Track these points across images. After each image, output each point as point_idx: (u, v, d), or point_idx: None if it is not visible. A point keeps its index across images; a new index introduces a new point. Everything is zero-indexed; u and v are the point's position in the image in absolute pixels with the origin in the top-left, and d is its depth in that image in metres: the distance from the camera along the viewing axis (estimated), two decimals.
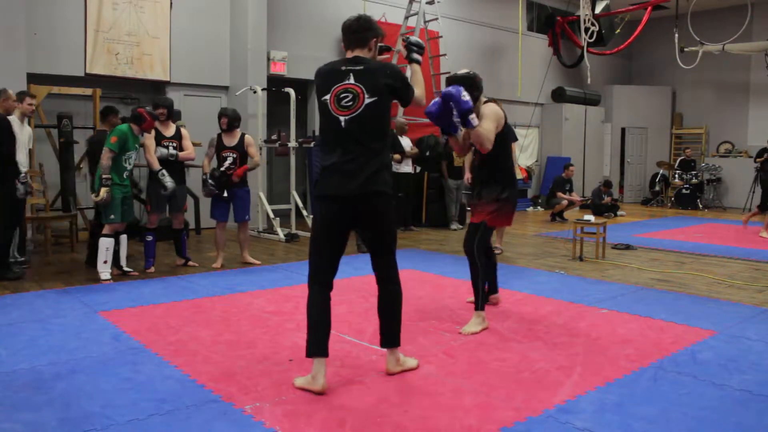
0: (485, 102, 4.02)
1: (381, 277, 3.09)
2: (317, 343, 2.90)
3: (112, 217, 5.38)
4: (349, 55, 2.97)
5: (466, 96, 3.51)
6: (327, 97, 2.92)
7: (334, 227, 2.96)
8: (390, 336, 3.12)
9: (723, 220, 11.13)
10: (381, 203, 2.94)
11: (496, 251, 6.96)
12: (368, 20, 3.01)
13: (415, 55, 3.24)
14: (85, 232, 7.81)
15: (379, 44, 3.11)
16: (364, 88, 2.87)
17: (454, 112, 3.57)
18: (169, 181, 5.67)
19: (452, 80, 3.89)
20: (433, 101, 3.69)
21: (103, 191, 5.25)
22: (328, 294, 2.98)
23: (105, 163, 5.29)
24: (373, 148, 2.90)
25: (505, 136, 4.06)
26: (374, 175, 2.88)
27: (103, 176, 5.29)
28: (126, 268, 5.65)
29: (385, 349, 3.18)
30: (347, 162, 2.87)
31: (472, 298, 4.17)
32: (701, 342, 3.72)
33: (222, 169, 5.97)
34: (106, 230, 5.41)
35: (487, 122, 3.82)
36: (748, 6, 11.55)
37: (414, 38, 3.32)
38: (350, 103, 2.87)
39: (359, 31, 2.98)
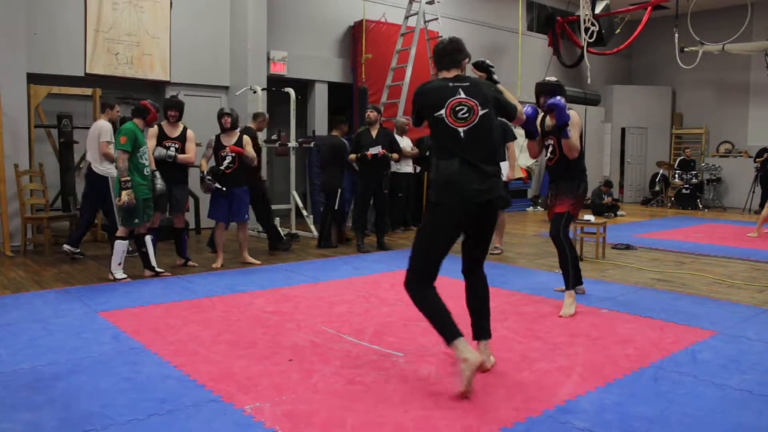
0: (568, 110, 4.36)
1: (476, 276, 3.26)
2: (454, 326, 2.95)
3: (136, 221, 5.33)
4: (446, 74, 3.20)
5: (566, 109, 4.11)
6: (442, 111, 3.09)
7: (456, 232, 3.10)
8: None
9: (723, 220, 11.13)
10: (497, 208, 3.21)
11: (496, 251, 6.98)
12: (459, 42, 3.28)
13: (495, 77, 3.45)
14: None
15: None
16: (477, 102, 3.10)
17: (538, 119, 4.12)
18: (159, 183, 5.60)
19: (544, 87, 4.41)
20: (526, 106, 3.83)
21: (125, 194, 5.17)
22: (436, 290, 3.09)
23: (122, 165, 5.22)
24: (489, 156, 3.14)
25: (581, 139, 4.49)
26: (494, 182, 3.08)
27: (122, 179, 5.22)
28: (158, 269, 5.62)
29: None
30: (470, 171, 3.04)
31: (561, 287, 4.61)
32: (701, 342, 3.72)
33: (221, 167, 5.97)
34: (121, 233, 5.38)
35: (574, 131, 4.29)
36: (748, 6, 11.55)
37: (488, 61, 3.51)
38: (467, 115, 3.08)
39: (453, 53, 3.22)
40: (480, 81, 3.27)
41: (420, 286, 3.05)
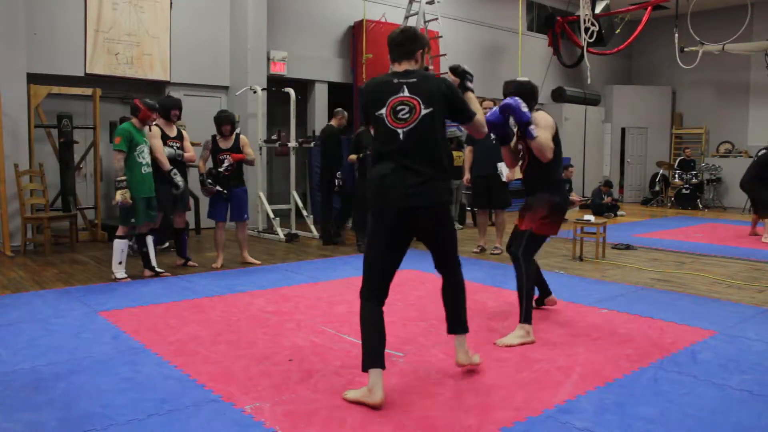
0: (536, 110, 3.91)
1: (447, 272, 3.11)
2: (376, 354, 2.80)
3: (133, 220, 5.33)
4: (398, 68, 2.96)
5: (524, 107, 3.57)
6: (383, 110, 2.89)
7: (393, 239, 2.95)
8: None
9: (723, 220, 11.12)
10: (442, 211, 2.96)
11: (496, 251, 6.98)
12: (413, 32, 3.01)
13: (469, 84, 3.19)
14: (85, 232, 7.83)
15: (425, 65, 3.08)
16: (419, 100, 2.86)
17: (511, 122, 3.60)
18: (179, 180, 5.73)
19: (511, 87, 3.94)
20: (491, 110, 3.72)
21: (119, 194, 5.18)
22: (382, 307, 2.91)
23: (117, 165, 5.24)
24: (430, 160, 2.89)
25: (558, 144, 3.91)
26: (432, 186, 2.87)
27: (117, 179, 5.22)
28: (158, 269, 5.63)
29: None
30: (404, 174, 2.85)
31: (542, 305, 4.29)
32: (701, 342, 3.72)
33: (220, 170, 5.97)
34: (120, 232, 5.39)
35: (543, 131, 3.76)
36: (748, 6, 11.55)
37: (465, 66, 3.27)
38: (407, 116, 2.86)
39: (404, 43, 2.96)
40: (430, 76, 2.99)
41: (363, 297, 2.90)
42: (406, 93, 2.87)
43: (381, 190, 2.87)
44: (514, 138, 3.91)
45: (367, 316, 2.85)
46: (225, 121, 6.00)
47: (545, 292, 4.43)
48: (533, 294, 3.84)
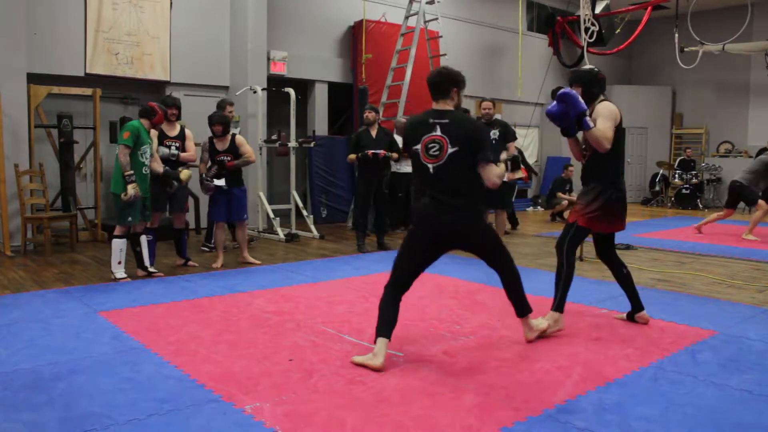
0: (601, 101, 3.89)
1: (497, 268, 3.55)
2: (384, 326, 3.30)
3: (130, 219, 5.34)
4: (435, 106, 3.37)
5: (580, 98, 3.64)
6: (418, 146, 3.31)
7: (427, 254, 3.43)
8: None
9: (723, 220, 11.10)
10: (469, 231, 3.38)
11: None
12: (448, 72, 3.38)
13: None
14: (85, 232, 7.83)
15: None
16: (448, 140, 3.26)
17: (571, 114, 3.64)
18: (173, 180, 5.71)
19: (576, 75, 3.97)
20: (552, 103, 3.74)
21: (130, 188, 5.20)
22: (400, 296, 3.39)
23: (123, 159, 5.24)
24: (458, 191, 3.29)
25: (620, 135, 3.87)
26: (459, 215, 3.29)
27: (125, 173, 5.23)
28: (151, 269, 5.63)
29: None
30: (435, 206, 3.29)
31: (622, 315, 4.19)
32: (701, 342, 3.72)
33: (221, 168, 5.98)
34: (117, 231, 5.39)
35: (603, 121, 3.73)
36: (748, 6, 11.55)
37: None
38: (437, 153, 3.26)
39: (440, 83, 3.35)
40: (462, 118, 3.34)
41: (388, 286, 3.38)
42: (438, 132, 3.27)
43: (418, 218, 3.36)
44: (579, 132, 3.83)
45: (386, 299, 3.35)
46: (214, 122, 6.01)
47: (638, 306, 4.12)
48: (570, 284, 3.88)
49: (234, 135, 6.14)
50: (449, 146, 3.23)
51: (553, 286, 3.87)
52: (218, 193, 6.04)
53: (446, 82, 3.34)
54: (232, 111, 7.02)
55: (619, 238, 7.80)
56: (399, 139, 8.56)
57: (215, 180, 5.94)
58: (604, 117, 3.76)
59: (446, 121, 3.28)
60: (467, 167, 3.27)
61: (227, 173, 6.00)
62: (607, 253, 4.12)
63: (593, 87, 3.89)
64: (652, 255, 7.01)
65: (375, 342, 3.27)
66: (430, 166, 3.27)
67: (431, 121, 3.30)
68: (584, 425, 2.57)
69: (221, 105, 6.86)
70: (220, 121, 5.99)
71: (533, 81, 13.02)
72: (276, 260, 6.55)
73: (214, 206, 6.11)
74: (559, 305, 3.83)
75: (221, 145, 6.03)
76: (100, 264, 6.19)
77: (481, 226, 3.42)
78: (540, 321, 3.75)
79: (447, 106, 3.35)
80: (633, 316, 4.12)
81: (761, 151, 11.90)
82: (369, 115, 7.20)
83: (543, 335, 3.73)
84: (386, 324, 3.30)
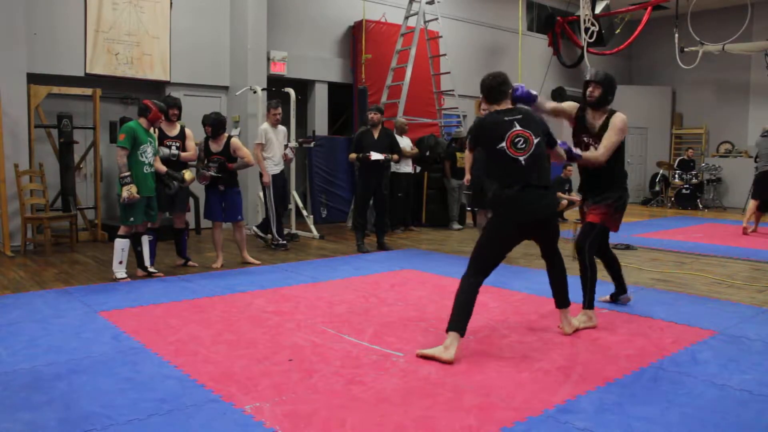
0: (614, 111, 4.14)
1: (551, 261, 3.82)
2: (459, 321, 3.43)
3: (132, 219, 5.33)
4: (498, 107, 3.63)
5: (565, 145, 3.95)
6: (503, 144, 3.52)
7: (512, 240, 3.64)
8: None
9: (723, 220, 11.13)
10: (554, 219, 3.74)
11: None
12: (503, 76, 3.66)
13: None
14: (85, 232, 7.83)
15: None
16: (531, 132, 3.54)
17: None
18: (172, 181, 5.68)
19: (599, 76, 4.13)
20: (521, 87, 3.95)
21: (125, 190, 5.19)
22: (480, 285, 3.55)
23: (120, 161, 5.23)
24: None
25: (623, 144, 4.20)
26: (550, 200, 3.63)
27: (120, 176, 5.22)
28: (151, 269, 5.63)
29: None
30: (530, 191, 3.52)
31: (606, 297, 4.62)
32: (701, 342, 3.72)
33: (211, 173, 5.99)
34: (121, 231, 5.39)
35: (614, 134, 4.06)
36: (748, 6, 11.55)
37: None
38: (524, 146, 3.52)
39: (498, 86, 3.62)
40: (528, 112, 3.65)
41: (470, 276, 3.52)
42: (519, 127, 3.53)
43: (513, 207, 3.52)
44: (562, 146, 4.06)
45: (472, 292, 3.49)
46: (205, 123, 6.01)
47: (622, 289, 4.62)
48: (595, 282, 4.14)
49: (230, 137, 6.12)
50: (534, 138, 3.53)
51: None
52: (212, 193, 6.04)
53: (504, 84, 3.62)
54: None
55: (620, 238, 7.87)
56: (400, 139, 8.59)
57: (211, 166, 5.92)
58: (617, 130, 4.07)
59: (519, 116, 3.56)
60: (545, 155, 3.65)
61: (225, 174, 5.99)
62: (605, 248, 4.46)
63: (609, 93, 4.13)
64: (652, 255, 7.01)
65: (447, 333, 3.39)
66: (520, 158, 3.50)
67: (506, 119, 3.55)
68: (584, 425, 2.57)
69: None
70: (212, 123, 5.98)
71: (533, 81, 13.01)
72: (276, 260, 6.55)
73: (209, 207, 6.11)
74: (590, 303, 4.08)
75: (215, 147, 6.02)
76: (100, 264, 6.20)
77: (557, 214, 3.66)
78: (577, 319, 3.99)
79: (508, 105, 3.64)
80: (617, 297, 4.61)
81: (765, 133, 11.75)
82: (374, 117, 7.17)
83: (577, 330, 3.92)
84: (465, 318, 3.42)
